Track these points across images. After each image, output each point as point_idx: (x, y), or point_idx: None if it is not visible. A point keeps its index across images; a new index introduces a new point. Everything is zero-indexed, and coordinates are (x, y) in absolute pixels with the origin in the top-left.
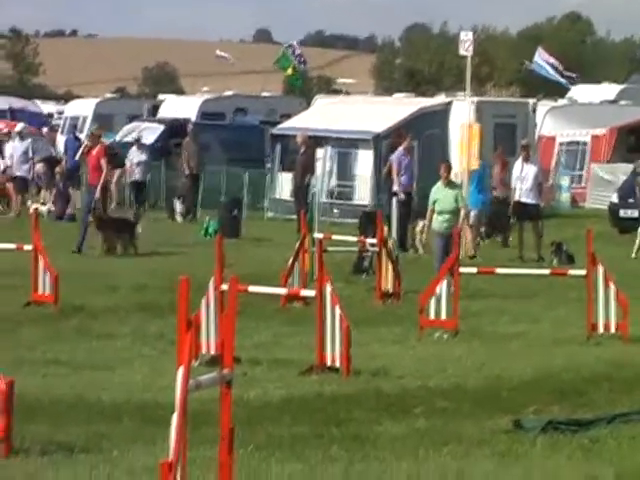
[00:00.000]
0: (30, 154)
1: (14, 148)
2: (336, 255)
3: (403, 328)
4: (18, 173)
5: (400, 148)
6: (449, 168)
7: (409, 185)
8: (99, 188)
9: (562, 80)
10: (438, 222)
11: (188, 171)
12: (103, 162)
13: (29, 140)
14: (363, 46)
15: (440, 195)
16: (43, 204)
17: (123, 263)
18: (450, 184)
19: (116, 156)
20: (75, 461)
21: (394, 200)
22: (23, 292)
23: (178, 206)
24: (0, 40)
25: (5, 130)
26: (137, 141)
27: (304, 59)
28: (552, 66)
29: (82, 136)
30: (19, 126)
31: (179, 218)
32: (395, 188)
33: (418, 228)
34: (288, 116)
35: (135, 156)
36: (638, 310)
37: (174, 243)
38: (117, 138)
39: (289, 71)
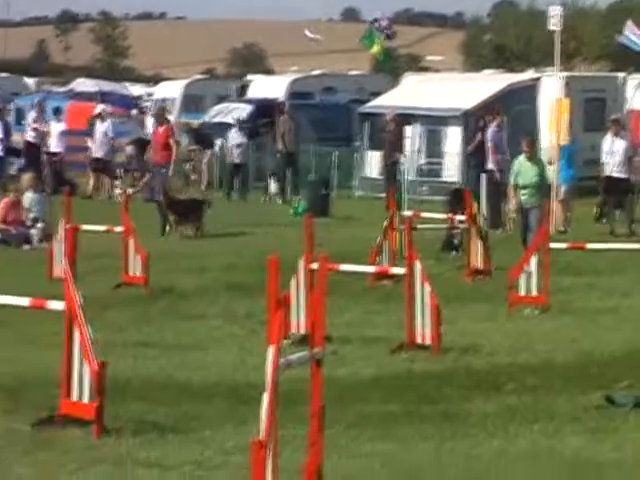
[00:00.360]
0: (110, 135)
1: (95, 130)
2: (425, 233)
3: (493, 305)
4: (98, 155)
5: (493, 125)
6: (532, 142)
7: (502, 162)
8: (170, 167)
9: None
10: (521, 196)
11: (283, 148)
12: (171, 141)
13: (109, 121)
14: (451, 23)
15: (522, 169)
16: (133, 186)
17: (213, 244)
18: (533, 158)
19: (206, 136)
20: (166, 441)
21: (483, 177)
22: (114, 274)
23: (272, 185)
24: (90, 23)
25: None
26: (238, 122)
27: (393, 31)
28: None
29: (171, 118)
30: (99, 107)
31: (277, 199)
32: (490, 166)
33: (511, 206)
34: (377, 94)
35: (234, 138)
36: None
37: (264, 222)
38: (206, 119)
39: (375, 48)
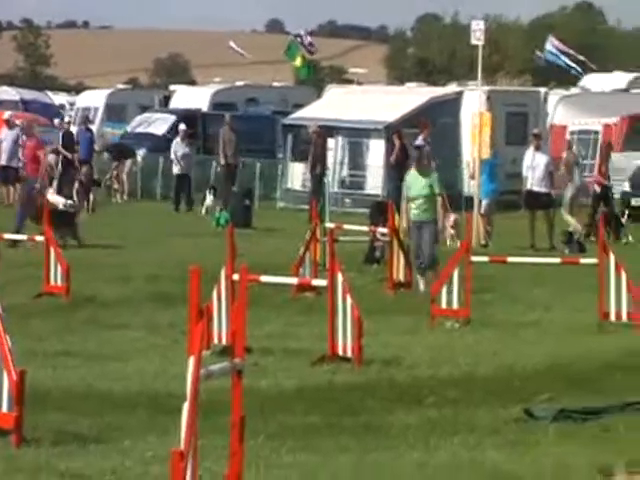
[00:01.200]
0: (19, 142)
1: (3, 138)
2: (348, 245)
3: (415, 318)
4: (4, 163)
5: (420, 137)
6: (423, 153)
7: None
8: (39, 179)
9: (575, 66)
10: (411, 210)
11: (224, 161)
12: (40, 154)
13: (18, 129)
14: (375, 36)
15: (412, 182)
16: (66, 197)
17: (136, 254)
18: (423, 171)
19: (126, 148)
20: (87, 451)
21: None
22: (35, 283)
23: (208, 198)
24: (12, 31)
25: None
26: (184, 132)
27: (314, 48)
28: (564, 54)
29: (94, 127)
30: (6, 114)
31: (204, 210)
32: None
33: (449, 223)
34: (300, 106)
35: (179, 148)
36: None
37: (188, 233)
38: (129, 129)
39: (297, 61)
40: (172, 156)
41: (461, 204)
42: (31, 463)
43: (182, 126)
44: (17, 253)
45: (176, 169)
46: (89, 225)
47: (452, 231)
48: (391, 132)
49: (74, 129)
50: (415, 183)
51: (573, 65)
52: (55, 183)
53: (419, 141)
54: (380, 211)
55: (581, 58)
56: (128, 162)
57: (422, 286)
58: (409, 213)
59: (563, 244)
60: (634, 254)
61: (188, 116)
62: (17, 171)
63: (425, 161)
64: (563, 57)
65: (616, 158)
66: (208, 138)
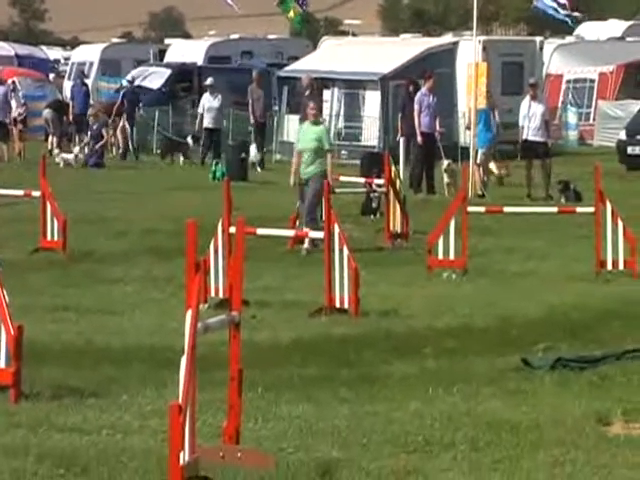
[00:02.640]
0: (9, 98)
1: None
2: (344, 197)
3: (412, 268)
4: None
5: (423, 88)
6: (317, 106)
7: (431, 125)
8: None
9: (566, 19)
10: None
11: (253, 119)
12: None
13: (7, 84)
14: None
15: (301, 133)
16: (69, 152)
17: (133, 208)
18: (315, 122)
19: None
20: (85, 406)
21: (401, 140)
22: (32, 239)
23: (253, 152)
24: None
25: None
26: (210, 87)
27: (305, 1)
28: (558, 3)
29: (89, 82)
30: None
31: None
32: (422, 128)
33: (443, 167)
34: (295, 58)
35: (207, 102)
36: None
37: (185, 186)
38: (124, 82)
39: (291, 14)
40: (200, 110)
41: (457, 154)
42: (30, 418)
43: (210, 80)
44: (13, 209)
45: (206, 122)
46: (87, 180)
47: (447, 180)
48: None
49: (69, 83)
50: (304, 135)
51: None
52: (54, 139)
53: (423, 91)
54: (373, 162)
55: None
56: (123, 117)
57: (306, 244)
58: (297, 166)
59: (560, 192)
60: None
61: (184, 70)
62: (4, 125)
63: (315, 111)
64: (555, 6)
65: (612, 106)
66: (203, 92)
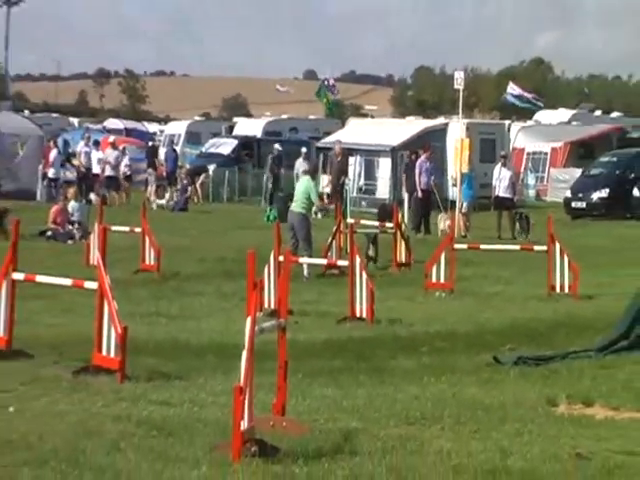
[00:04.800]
0: (120, 160)
1: (107, 155)
2: (363, 235)
3: (413, 289)
4: (110, 174)
5: (423, 156)
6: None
7: (428, 184)
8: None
9: (529, 105)
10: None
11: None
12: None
13: (119, 150)
14: (384, 82)
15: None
16: (162, 198)
17: (208, 241)
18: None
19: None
20: (172, 386)
21: (405, 195)
22: (134, 262)
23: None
24: (118, 78)
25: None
26: (305, 153)
27: (336, 89)
28: (521, 96)
29: (177, 148)
30: (111, 138)
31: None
32: (421, 186)
33: (439, 217)
34: (328, 133)
35: (301, 166)
36: (585, 276)
37: (246, 226)
38: (203, 149)
39: (325, 100)
40: (295, 172)
41: (447, 205)
42: (131, 394)
43: (304, 149)
44: (120, 238)
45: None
46: (175, 220)
47: (442, 227)
48: (410, 152)
49: (163, 149)
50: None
51: (526, 104)
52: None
53: (422, 158)
54: (385, 211)
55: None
56: (202, 175)
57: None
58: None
59: (517, 220)
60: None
61: (247, 141)
62: (115, 179)
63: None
64: (519, 98)
65: (560, 172)
66: (261, 157)
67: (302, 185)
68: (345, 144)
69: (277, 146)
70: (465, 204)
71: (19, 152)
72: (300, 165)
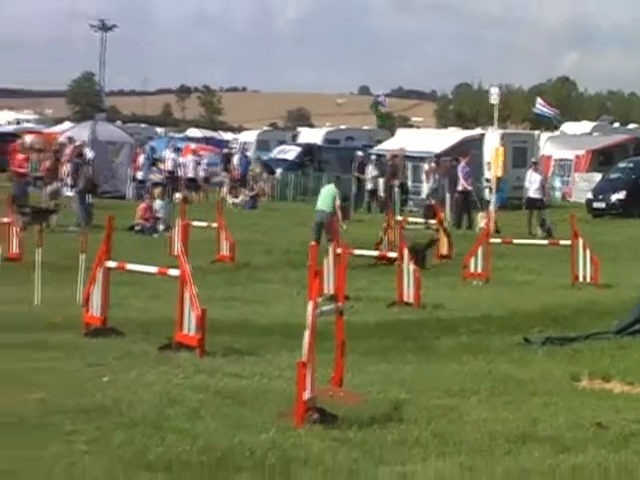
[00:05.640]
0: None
1: (189, 161)
2: (411, 231)
3: (453, 278)
4: (189, 176)
5: (463, 162)
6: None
7: (471, 186)
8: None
9: (555, 118)
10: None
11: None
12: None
13: (199, 155)
14: (428, 97)
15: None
16: (235, 197)
17: (275, 235)
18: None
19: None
20: (244, 361)
21: (447, 195)
22: (211, 253)
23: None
24: (198, 93)
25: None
26: (375, 160)
27: (386, 103)
28: (548, 109)
29: (249, 154)
30: (192, 145)
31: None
32: (460, 188)
33: (479, 215)
34: (380, 142)
35: (371, 171)
36: (605, 267)
37: (308, 222)
38: (272, 155)
39: (378, 113)
40: (366, 176)
41: (483, 206)
42: (209, 367)
43: (373, 157)
44: (198, 232)
45: (370, 185)
46: (246, 217)
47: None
48: (451, 158)
49: (236, 156)
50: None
51: (552, 117)
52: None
53: (463, 164)
54: (429, 210)
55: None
56: (271, 177)
57: None
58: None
59: (539, 226)
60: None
61: (309, 148)
62: (197, 182)
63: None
64: (547, 111)
65: (583, 176)
66: (321, 161)
67: (329, 190)
68: (395, 151)
69: (360, 153)
70: (499, 204)
71: (114, 158)
72: (371, 170)
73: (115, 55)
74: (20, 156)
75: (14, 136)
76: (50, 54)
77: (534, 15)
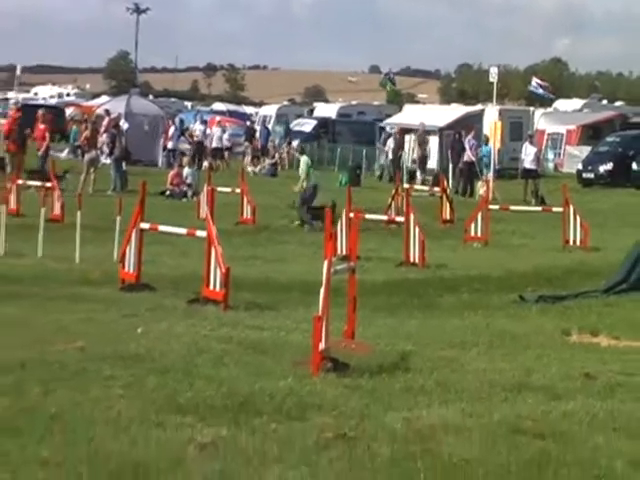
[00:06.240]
0: (226, 135)
1: (214, 132)
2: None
3: (455, 241)
4: (215, 145)
5: (469, 135)
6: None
7: (474, 156)
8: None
9: (548, 96)
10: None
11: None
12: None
13: (223, 127)
14: (433, 75)
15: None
16: (256, 166)
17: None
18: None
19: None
20: (264, 315)
21: (450, 165)
22: (235, 216)
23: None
24: (223, 71)
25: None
26: (394, 135)
27: (394, 80)
28: (542, 87)
29: (269, 126)
30: (217, 118)
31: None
32: (465, 158)
33: (479, 183)
34: (389, 116)
35: (391, 143)
36: (593, 232)
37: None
38: (290, 127)
39: (387, 88)
40: (386, 148)
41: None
42: (232, 320)
43: (393, 130)
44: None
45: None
46: (267, 184)
47: (480, 192)
48: (454, 132)
49: (257, 127)
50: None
51: (546, 94)
52: (248, 159)
53: (470, 137)
54: (435, 179)
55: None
56: (289, 146)
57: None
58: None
59: (532, 196)
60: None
61: (324, 121)
62: (219, 150)
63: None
64: (541, 90)
65: (574, 149)
66: (335, 134)
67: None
68: (402, 125)
69: (390, 129)
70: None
71: (145, 128)
72: (390, 143)
73: (148, 35)
74: (41, 126)
75: (56, 108)
76: (89, 34)
77: (531, 2)
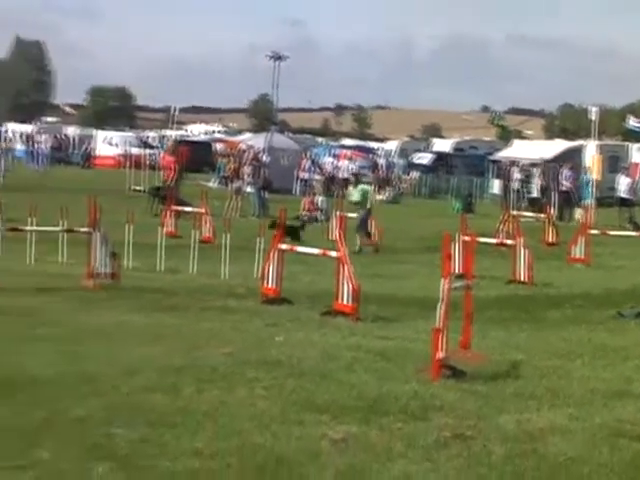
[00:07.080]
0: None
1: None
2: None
3: (559, 262)
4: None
5: (566, 167)
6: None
7: (572, 187)
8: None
9: None
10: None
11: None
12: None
13: (352, 160)
14: (538, 114)
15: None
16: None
17: (409, 226)
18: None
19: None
20: (389, 326)
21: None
22: (355, 240)
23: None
24: (351, 110)
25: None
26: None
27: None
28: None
29: (392, 159)
30: (348, 152)
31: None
32: (562, 188)
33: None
34: (499, 150)
35: (515, 175)
36: None
37: (435, 215)
38: (410, 160)
39: (499, 125)
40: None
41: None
42: (361, 331)
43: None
44: (352, 221)
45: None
46: (390, 210)
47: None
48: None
49: (382, 160)
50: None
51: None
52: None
53: (567, 169)
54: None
55: None
56: (409, 177)
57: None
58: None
59: (628, 222)
60: None
61: (441, 155)
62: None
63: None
64: (638, 127)
65: None
66: (451, 166)
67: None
68: (511, 158)
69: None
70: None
71: (284, 161)
72: (516, 174)
73: (286, 79)
74: (168, 158)
75: (206, 144)
76: (233, 79)
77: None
